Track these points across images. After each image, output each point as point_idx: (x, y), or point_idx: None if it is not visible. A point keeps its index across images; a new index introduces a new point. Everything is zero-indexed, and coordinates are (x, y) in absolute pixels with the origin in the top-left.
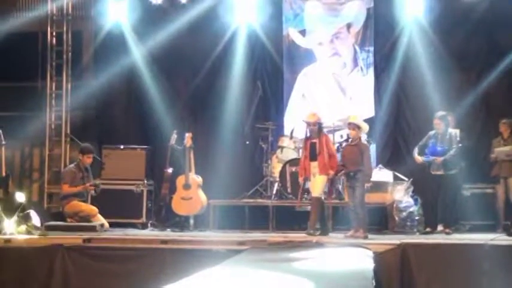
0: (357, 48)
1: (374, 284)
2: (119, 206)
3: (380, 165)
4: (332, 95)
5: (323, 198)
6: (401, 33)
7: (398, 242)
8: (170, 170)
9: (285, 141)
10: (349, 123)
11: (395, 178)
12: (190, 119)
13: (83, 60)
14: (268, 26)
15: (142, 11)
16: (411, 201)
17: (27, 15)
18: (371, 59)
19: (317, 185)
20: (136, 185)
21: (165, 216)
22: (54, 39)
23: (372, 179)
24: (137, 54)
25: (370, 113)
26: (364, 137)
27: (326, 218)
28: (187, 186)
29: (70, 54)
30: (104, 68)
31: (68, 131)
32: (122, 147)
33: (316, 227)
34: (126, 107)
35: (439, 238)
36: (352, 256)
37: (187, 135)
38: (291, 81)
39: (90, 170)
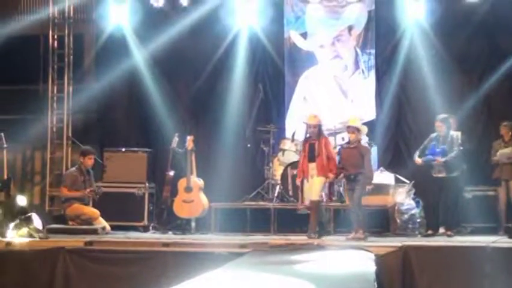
0: (358, 50)
1: (376, 286)
2: (120, 209)
3: (381, 168)
4: (333, 97)
5: (323, 200)
6: (403, 35)
7: (400, 244)
8: (172, 173)
9: (286, 144)
10: (349, 127)
11: (397, 181)
12: (191, 122)
13: (85, 63)
14: (269, 29)
15: (144, 14)
16: (413, 203)
17: (29, 18)
18: (372, 61)
19: (315, 187)
20: (138, 187)
21: (166, 219)
22: (55, 42)
23: (373, 182)
24: (139, 57)
25: (372, 115)
26: (365, 140)
27: (326, 221)
28: (188, 189)
29: (71, 57)
30: (105, 71)
31: (70, 134)
32: (123, 150)
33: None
34: (128, 110)
35: (440, 240)
36: (353, 258)
37: (189, 138)
38: (293, 83)
39: (92, 174)
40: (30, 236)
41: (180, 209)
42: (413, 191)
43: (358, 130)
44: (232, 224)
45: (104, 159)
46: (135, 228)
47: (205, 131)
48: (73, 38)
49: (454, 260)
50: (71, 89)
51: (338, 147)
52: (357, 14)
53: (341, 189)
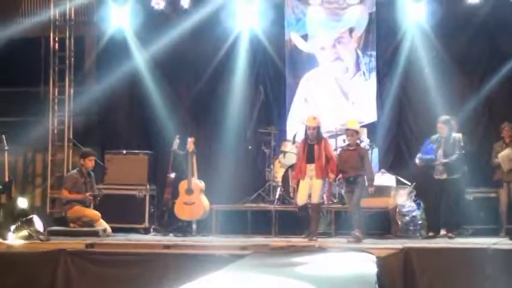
0: (359, 52)
1: None
2: (121, 211)
3: (383, 170)
4: (334, 99)
5: (324, 203)
6: (404, 37)
7: (401, 246)
8: (173, 175)
9: (287, 146)
10: (347, 129)
11: (398, 182)
12: (192, 124)
13: (86, 65)
14: (270, 31)
15: (145, 17)
16: (414, 205)
17: (30, 20)
18: (373, 63)
19: (315, 191)
20: (138, 190)
21: (167, 221)
22: (56, 44)
23: (374, 183)
24: (139, 59)
25: (373, 117)
26: (366, 142)
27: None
28: (189, 191)
29: (73, 59)
30: (106, 73)
31: (71, 136)
32: (124, 152)
33: (319, 231)
34: (129, 112)
35: (441, 242)
36: (355, 261)
37: (190, 140)
38: (293, 85)
39: (93, 175)
40: (31, 238)
41: (181, 211)
42: (414, 192)
43: (356, 133)
44: (233, 226)
45: (105, 161)
46: (136, 230)
47: (206, 133)
48: (74, 40)
49: (455, 261)
50: (72, 91)
51: (339, 150)
52: (358, 16)
53: (342, 191)
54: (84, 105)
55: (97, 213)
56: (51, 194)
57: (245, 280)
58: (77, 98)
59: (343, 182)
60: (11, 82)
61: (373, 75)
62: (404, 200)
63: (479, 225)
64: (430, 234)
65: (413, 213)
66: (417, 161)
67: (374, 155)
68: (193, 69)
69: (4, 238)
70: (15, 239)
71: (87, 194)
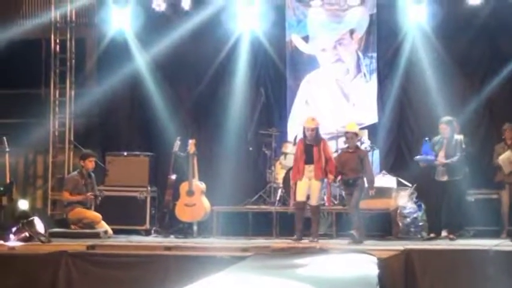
0: (360, 54)
1: None
2: (122, 213)
3: (384, 171)
4: (335, 101)
5: (324, 204)
6: (404, 39)
7: (402, 247)
8: (174, 177)
9: (288, 148)
10: (347, 132)
11: (399, 184)
12: (193, 126)
13: (87, 67)
14: (271, 33)
15: (146, 19)
16: (415, 207)
17: (31, 22)
18: (374, 65)
19: (314, 192)
20: (139, 191)
21: (168, 223)
22: (57, 46)
23: (375, 185)
24: (140, 61)
25: (374, 119)
26: (367, 143)
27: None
28: (190, 193)
29: (73, 61)
30: (107, 75)
31: (72, 138)
32: (125, 153)
33: (320, 232)
34: (130, 114)
35: (443, 244)
36: (356, 262)
37: (191, 142)
38: (294, 87)
39: (93, 177)
40: (33, 240)
41: (182, 212)
42: (415, 194)
43: (356, 135)
44: (234, 227)
45: (105, 163)
46: (137, 232)
47: (207, 134)
48: (75, 42)
49: (456, 263)
50: (72, 93)
51: (339, 151)
52: (359, 17)
53: (343, 193)
54: (85, 107)
55: (98, 215)
56: (52, 195)
57: (246, 282)
58: (77, 99)
59: (341, 184)
60: (12, 84)
61: (374, 76)
62: (405, 202)
63: (481, 226)
64: (432, 235)
65: (415, 215)
66: (420, 164)
67: (375, 157)
68: (194, 71)
69: (5, 240)
70: (16, 240)
71: (89, 193)
